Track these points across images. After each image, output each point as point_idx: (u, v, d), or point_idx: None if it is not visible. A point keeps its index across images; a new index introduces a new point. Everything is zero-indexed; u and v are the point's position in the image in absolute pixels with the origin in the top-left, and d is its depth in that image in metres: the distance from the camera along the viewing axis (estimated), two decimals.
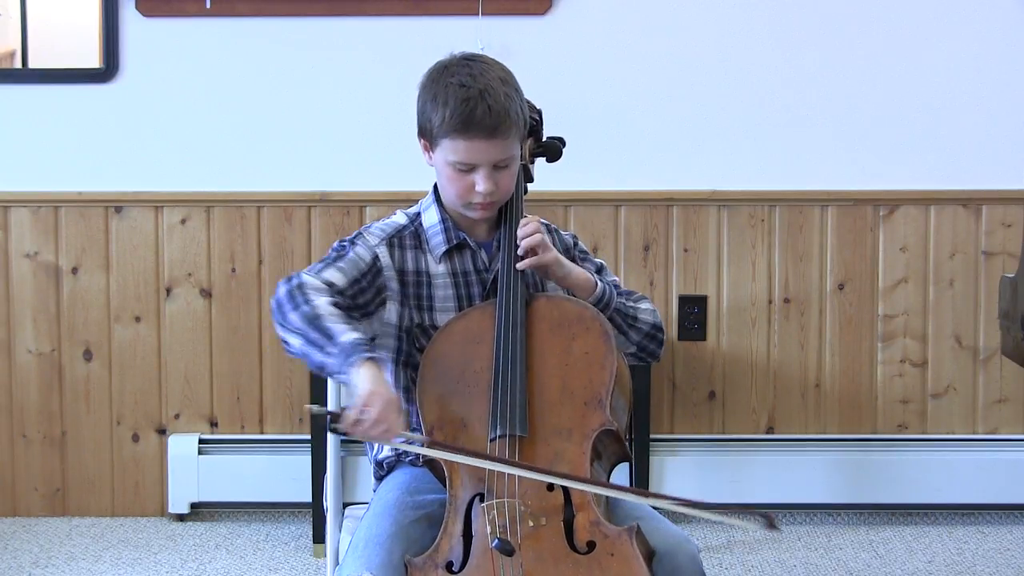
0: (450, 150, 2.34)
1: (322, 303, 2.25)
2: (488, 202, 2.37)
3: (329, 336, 2.20)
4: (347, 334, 2.19)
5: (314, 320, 2.22)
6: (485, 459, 2.19)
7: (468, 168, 2.35)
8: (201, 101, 4.01)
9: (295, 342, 2.24)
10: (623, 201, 4.03)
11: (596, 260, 2.57)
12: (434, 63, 2.40)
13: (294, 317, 2.24)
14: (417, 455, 2.35)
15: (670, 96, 4.00)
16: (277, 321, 2.28)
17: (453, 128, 2.31)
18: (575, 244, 2.56)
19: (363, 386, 2.14)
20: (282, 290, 2.28)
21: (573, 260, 2.50)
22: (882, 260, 4.05)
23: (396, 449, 2.49)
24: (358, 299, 2.36)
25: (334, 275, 2.34)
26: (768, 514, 2.12)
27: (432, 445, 2.21)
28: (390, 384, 2.18)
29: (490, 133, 2.31)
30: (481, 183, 2.34)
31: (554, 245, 2.47)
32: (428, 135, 2.38)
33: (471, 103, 2.30)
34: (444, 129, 2.32)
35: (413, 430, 2.31)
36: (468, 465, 2.22)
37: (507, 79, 2.37)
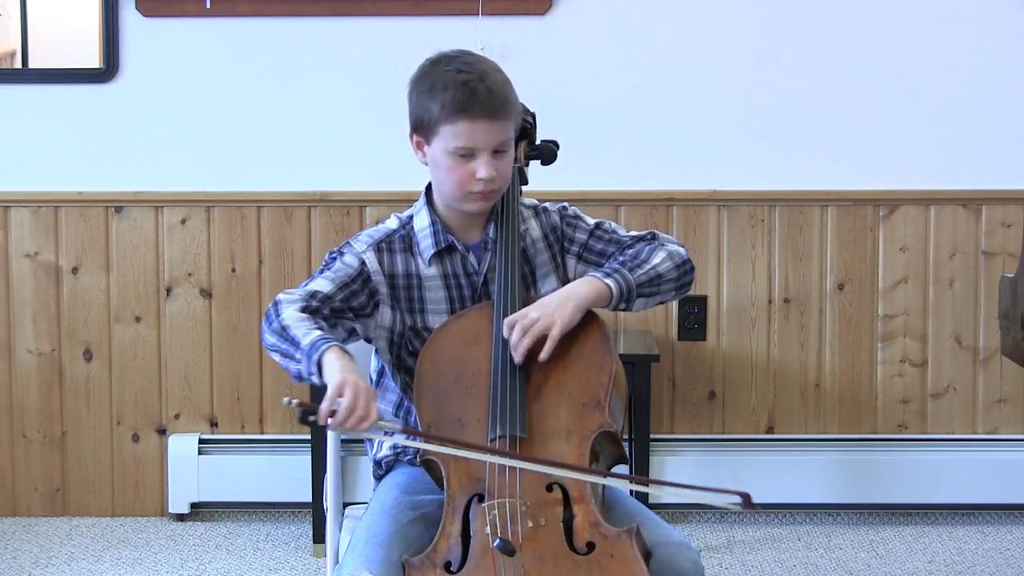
0: (451, 136, 2.32)
1: (289, 313, 2.27)
2: (488, 190, 2.35)
3: (295, 343, 2.23)
4: (309, 335, 2.22)
5: (282, 332, 2.26)
6: (467, 447, 2.19)
7: (468, 154, 2.33)
8: (201, 101, 4.01)
9: (276, 359, 2.29)
10: (623, 201, 4.03)
11: (589, 221, 2.51)
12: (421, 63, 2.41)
13: (268, 335, 2.29)
14: (416, 455, 2.35)
15: (670, 96, 4.00)
16: (264, 343, 2.32)
17: (455, 110, 2.30)
18: (562, 219, 2.50)
19: (332, 376, 2.15)
20: (266, 312, 2.33)
21: (559, 239, 2.48)
22: (882, 260, 4.05)
23: (395, 448, 2.49)
24: (351, 302, 2.37)
25: (319, 284, 2.35)
26: (744, 492, 2.12)
27: (409, 434, 2.21)
28: (360, 372, 2.17)
29: (492, 114, 2.31)
30: (482, 169, 2.33)
31: (541, 227, 2.47)
32: (424, 127, 2.36)
33: (472, 84, 2.30)
34: (445, 113, 2.31)
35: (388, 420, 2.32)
36: (466, 466, 2.22)
37: (501, 71, 2.38)
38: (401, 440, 2.22)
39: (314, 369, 2.19)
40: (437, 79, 2.33)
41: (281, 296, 2.33)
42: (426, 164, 2.41)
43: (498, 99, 2.31)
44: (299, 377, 2.25)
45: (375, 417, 2.15)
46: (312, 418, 2.13)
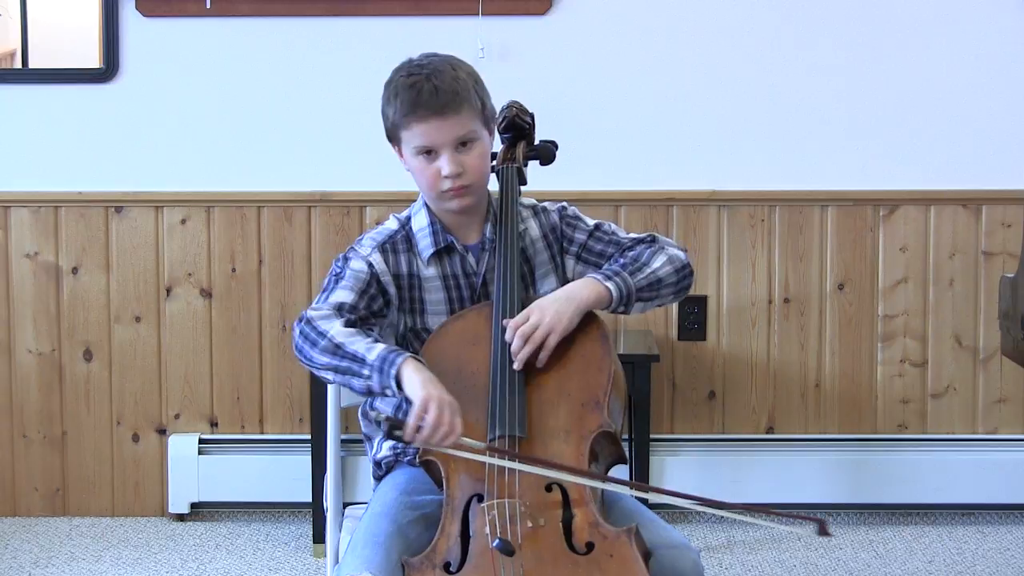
0: (409, 137, 2.37)
1: (335, 329, 2.26)
2: (458, 186, 2.36)
3: (357, 359, 2.22)
4: (373, 350, 2.21)
5: (335, 351, 2.24)
6: (550, 467, 2.17)
7: (430, 152, 2.36)
8: (201, 101, 4.01)
9: (330, 378, 2.27)
10: (623, 201, 4.03)
11: (589, 222, 2.52)
12: None
13: (317, 355, 2.26)
14: (416, 455, 2.34)
15: (670, 96, 4.00)
16: (307, 366, 2.30)
17: (404, 113, 2.35)
18: (562, 219, 2.51)
19: (415, 392, 2.15)
20: (296, 333, 2.30)
21: (559, 239, 2.49)
22: (882, 260, 4.05)
23: (395, 448, 2.49)
24: (372, 306, 2.38)
25: (340, 295, 2.35)
26: (819, 519, 2.12)
27: (491, 452, 2.20)
28: (441, 385, 2.17)
29: (439, 110, 2.33)
30: (446, 166, 2.35)
31: (540, 227, 2.48)
32: (391, 134, 2.41)
33: (417, 85, 2.34)
34: (399, 117, 2.36)
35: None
36: (465, 466, 2.22)
37: (460, 66, 2.39)
38: (486, 459, 2.19)
39: (390, 383, 2.18)
40: (392, 86, 2.39)
41: (311, 313, 2.31)
42: (409, 170, 2.42)
43: (445, 95, 2.33)
44: (368, 392, 2.24)
45: (459, 431, 2.16)
46: (399, 433, 2.14)
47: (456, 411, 2.16)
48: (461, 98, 2.34)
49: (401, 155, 2.43)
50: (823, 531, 2.13)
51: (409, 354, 2.21)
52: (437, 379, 2.18)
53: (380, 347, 2.22)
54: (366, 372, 2.21)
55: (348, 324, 2.29)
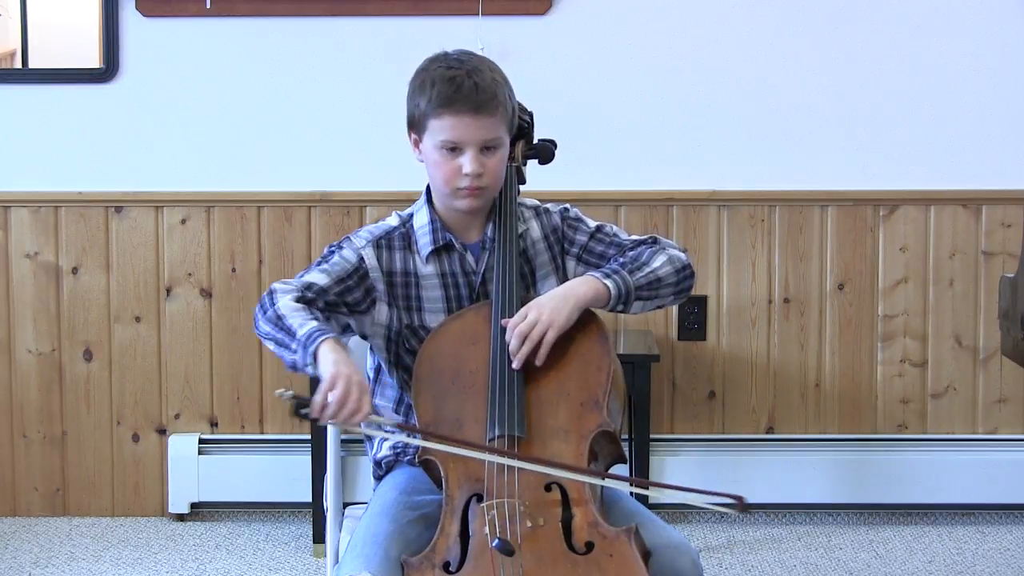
0: (437, 129, 2.35)
1: (284, 302, 2.29)
2: (476, 187, 2.36)
3: (290, 332, 2.24)
4: (305, 326, 2.23)
5: (277, 321, 2.27)
6: (464, 445, 2.19)
7: (455, 148, 2.35)
8: (201, 101, 4.01)
9: (270, 347, 2.31)
10: (623, 201, 4.03)
11: (591, 223, 2.52)
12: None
13: (262, 323, 2.30)
14: (416, 455, 2.34)
15: (670, 96, 4.00)
16: (256, 334, 2.33)
17: (440, 103, 2.33)
18: (563, 220, 2.51)
19: (325, 369, 2.16)
20: (259, 301, 2.33)
21: (560, 240, 2.49)
22: (882, 260, 4.05)
23: (395, 448, 2.49)
24: (346, 297, 2.38)
25: (315, 276, 2.36)
26: (737, 495, 2.13)
27: (403, 428, 2.21)
28: (355, 365, 2.18)
29: (476, 108, 2.32)
30: (468, 164, 2.34)
31: (542, 228, 2.48)
32: (416, 122, 2.39)
33: (458, 79, 2.33)
34: (432, 106, 2.34)
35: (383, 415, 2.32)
36: (464, 465, 2.22)
37: (496, 69, 2.39)
38: (397, 437, 2.22)
39: (309, 360, 2.20)
40: (428, 75, 2.36)
41: (276, 285, 2.33)
42: (422, 161, 2.41)
43: (484, 95, 2.32)
44: (293, 367, 2.26)
45: (367, 411, 2.16)
46: (305, 411, 2.14)
47: (365, 391, 2.16)
48: (498, 101, 2.35)
49: (417, 145, 2.41)
50: (742, 506, 2.14)
51: (332, 335, 2.22)
52: (352, 361, 2.18)
53: (312, 324, 2.23)
54: (293, 346, 2.23)
55: (304, 302, 2.30)
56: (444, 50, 2.42)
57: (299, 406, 2.14)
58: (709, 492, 2.18)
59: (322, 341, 2.19)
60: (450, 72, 2.33)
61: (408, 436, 2.24)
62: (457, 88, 2.32)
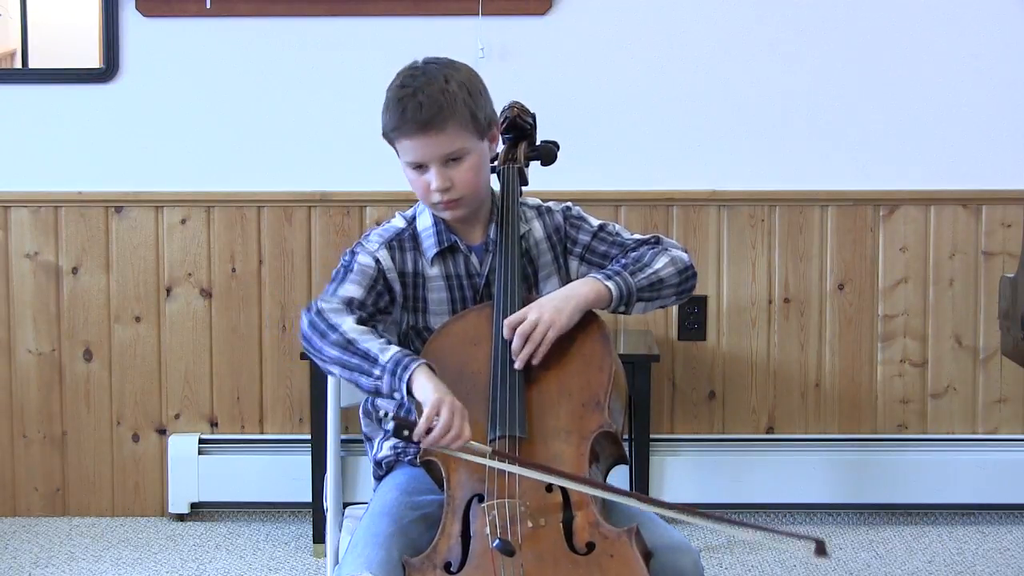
0: (400, 150, 2.38)
1: (347, 325, 2.27)
2: (448, 200, 2.36)
3: (369, 358, 2.22)
4: (386, 351, 2.22)
5: (347, 346, 2.24)
6: (552, 473, 2.16)
7: (420, 167, 2.36)
8: (201, 101, 4.01)
9: (336, 372, 2.27)
10: (623, 201, 4.03)
11: (593, 222, 2.52)
12: None
13: (327, 348, 2.26)
14: (416, 455, 2.34)
15: (670, 96, 4.00)
16: (313, 357, 2.30)
17: (391, 129, 2.35)
18: (566, 219, 2.51)
19: (427, 395, 2.16)
20: (304, 322, 2.30)
21: (562, 240, 2.49)
22: (882, 260, 4.05)
23: (395, 448, 2.49)
24: (379, 303, 2.38)
25: (349, 289, 2.35)
26: (819, 539, 2.11)
27: (499, 455, 2.20)
28: (451, 391, 2.18)
29: (422, 128, 2.31)
30: (433, 180, 2.34)
31: (544, 228, 2.48)
32: (388, 141, 2.40)
33: (404, 101, 2.32)
34: (389, 132, 2.36)
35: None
36: (466, 466, 2.22)
37: (454, 76, 2.35)
38: (491, 463, 2.19)
39: (400, 387, 2.19)
40: (387, 96, 2.37)
41: (322, 304, 2.31)
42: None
43: (428, 112, 2.30)
44: (375, 392, 2.24)
45: (468, 435, 2.16)
46: (407, 433, 2.15)
47: (466, 416, 2.16)
48: (446, 115, 2.31)
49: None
50: (820, 551, 2.12)
51: (423, 360, 2.22)
52: (445, 386, 2.19)
53: (394, 349, 2.22)
54: (377, 372, 2.21)
55: (359, 322, 2.29)
56: (414, 60, 2.41)
57: (400, 428, 2.16)
58: (787, 534, 2.16)
59: (416, 368, 2.19)
60: (400, 92, 2.33)
61: (505, 463, 2.19)
62: (403, 111, 2.32)
